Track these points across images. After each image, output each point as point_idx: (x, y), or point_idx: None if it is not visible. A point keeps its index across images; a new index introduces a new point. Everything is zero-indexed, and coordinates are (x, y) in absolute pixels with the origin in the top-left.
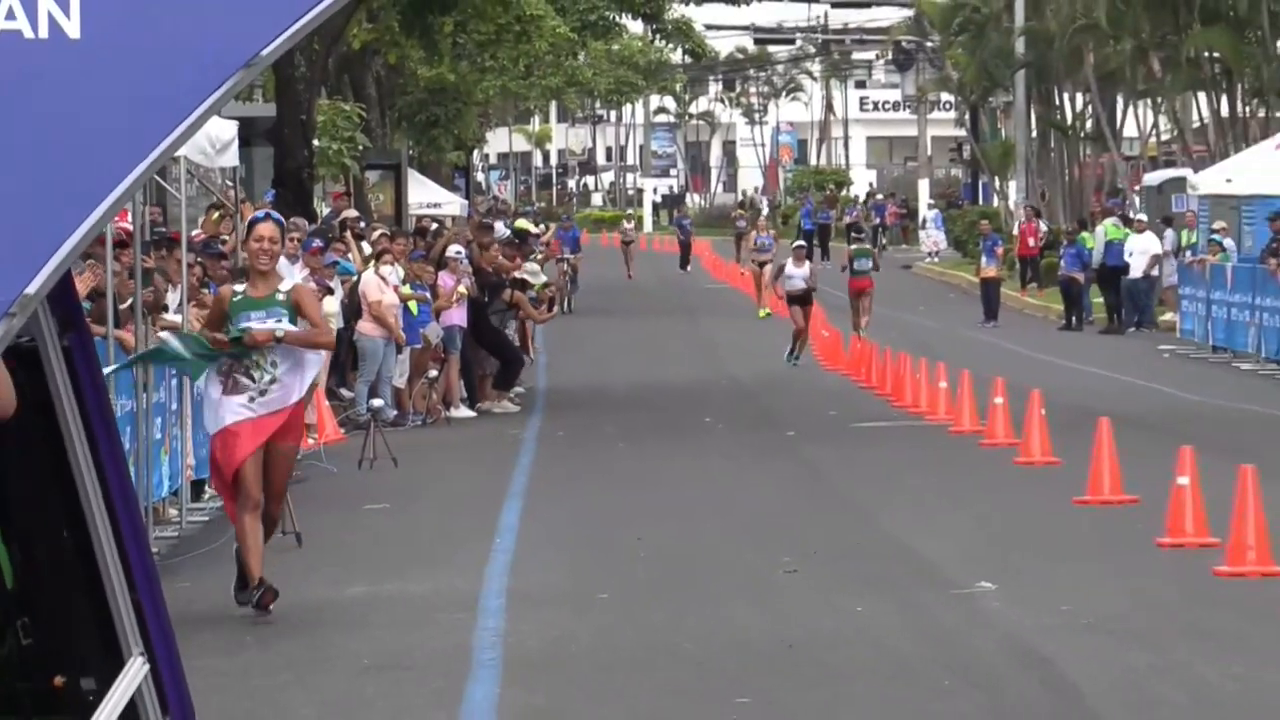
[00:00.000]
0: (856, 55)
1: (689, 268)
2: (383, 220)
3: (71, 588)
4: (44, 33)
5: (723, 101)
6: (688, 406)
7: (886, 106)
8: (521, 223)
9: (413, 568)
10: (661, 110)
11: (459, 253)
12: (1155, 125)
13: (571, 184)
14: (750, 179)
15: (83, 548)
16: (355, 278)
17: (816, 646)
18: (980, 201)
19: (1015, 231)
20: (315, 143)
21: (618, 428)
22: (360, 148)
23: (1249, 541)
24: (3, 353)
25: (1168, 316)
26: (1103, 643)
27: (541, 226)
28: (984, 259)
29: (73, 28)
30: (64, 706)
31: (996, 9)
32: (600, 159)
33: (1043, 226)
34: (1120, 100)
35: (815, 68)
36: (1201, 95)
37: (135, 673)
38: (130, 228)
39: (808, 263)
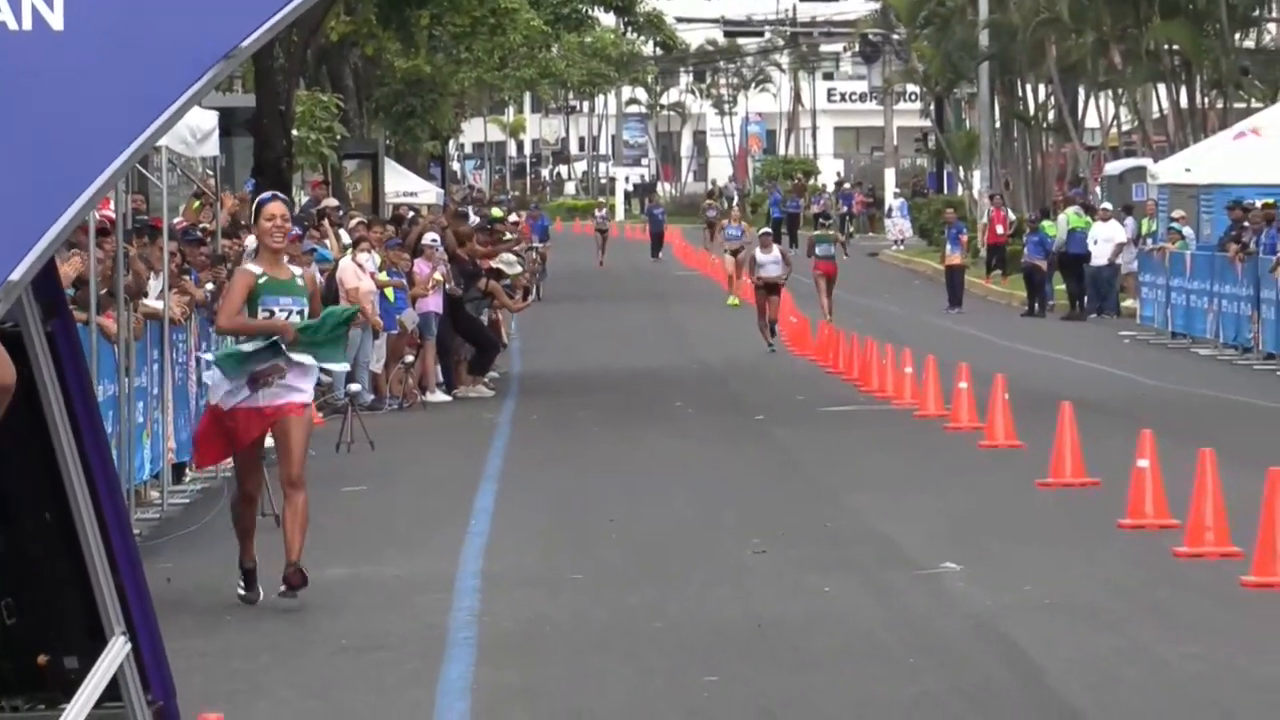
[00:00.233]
0: (824, 48)
1: (661, 255)
2: (360, 209)
3: (55, 569)
4: (28, 24)
5: (693, 93)
6: (659, 391)
7: (853, 98)
8: (496, 211)
9: (390, 550)
10: (633, 101)
11: (434, 240)
12: (1116, 116)
13: (545, 173)
14: (720, 169)
15: (66, 529)
16: (333, 265)
17: (785, 626)
18: (945, 191)
19: (984, 220)
20: (294, 132)
21: (590, 412)
22: (338, 137)
23: (1207, 523)
24: None
25: (1128, 303)
26: (1064, 622)
27: (512, 218)
28: (949, 247)
29: (56, 19)
30: (48, 684)
31: (961, 3)
32: (573, 149)
33: (1011, 214)
34: (1082, 91)
35: (784, 60)
36: (1161, 87)
37: (117, 652)
38: (113, 215)
39: (776, 247)
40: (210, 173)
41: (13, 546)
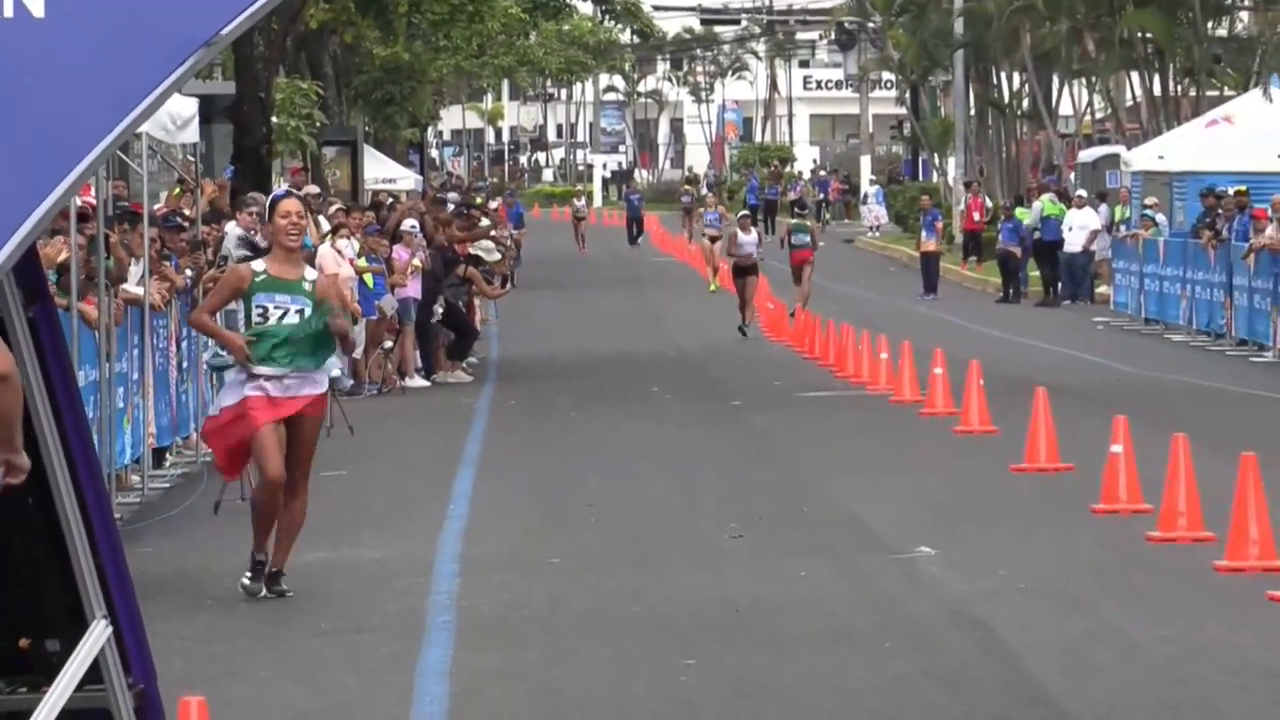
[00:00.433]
0: (800, 36)
1: (640, 241)
2: (339, 195)
3: (37, 552)
4: (9, 11)
5: (670, 80)
6: (636, 377)
7: (829, 85)
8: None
9: (369, 534)
10: (611, 89)
11: (413, 227)
12: (1090, 104)
13: (523, 160)
14: (697, 156)
15: (47, 514)
16: (312, 251)
17: (761, 610)
18: (920, 178)
19: (961, 207)
20: (274, 119)
21: (568, 397)
22: (318, 124)
23: (1180, 508)
24: None
25: (1102, 289)
26: (1038, 606)
27: (492, 204)
28: (924, 233)
29: (37, 6)
30: (30, 667)
31: None
32: (551, 136)
33: (987, 201)
34: (1056, 79)
35: (760, 48)
36: (1135, 75)
37: (99, 635)
38: (94, 202)
39: (754, 229)
40: (191, 159)
41: None
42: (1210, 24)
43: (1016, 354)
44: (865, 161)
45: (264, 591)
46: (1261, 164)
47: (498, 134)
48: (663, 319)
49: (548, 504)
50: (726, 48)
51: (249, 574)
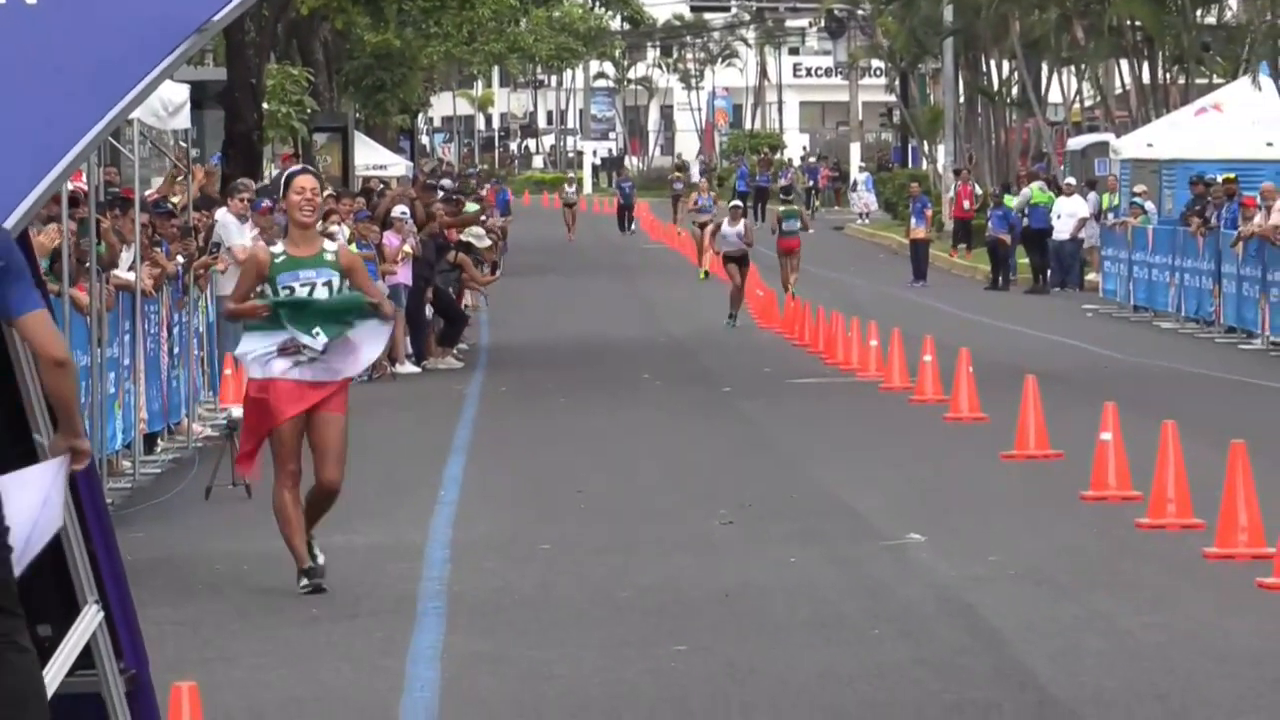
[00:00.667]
0: (790, 23)
1: (632, 228)
2: (330, 181)
3: None
4: None
5: (660, 67)
6: (627, 363)
7: (819, 73)
8: (471, 206)
9: (360, 519)
10: (601, 75)
11: (404, 213)
12: (1079, 91)
13: (513, 146)
14: (687, 143)
15: None
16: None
17: (751, 596)
18: (910, 165)
19: (950, 195)
20: (265, 106)
21: (558, 384)
22: (308, 111)
23: (1169, 495)
24: None
25: (1091, 277)
26: (1028, 593)
27: (483, 190)
28: (913, 221)
29: None
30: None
31: None
32: (541, 122)
33: (977, 189)
34: (1045, 67)
35: (750, 35)
36: (1124, 62)
37: (90, 620)
38: (86, 188)
39: (743, 220)
40: (184, 144)
41: None
42: (1199, 12)
43: (1006, 341)
44: (855, 149)
45: (322, 580)
46: (1250, 152)
47: (488, 120)
48: (653, 306)
49: (538, 490)
50: (716, 34)
51: (305, 581)
